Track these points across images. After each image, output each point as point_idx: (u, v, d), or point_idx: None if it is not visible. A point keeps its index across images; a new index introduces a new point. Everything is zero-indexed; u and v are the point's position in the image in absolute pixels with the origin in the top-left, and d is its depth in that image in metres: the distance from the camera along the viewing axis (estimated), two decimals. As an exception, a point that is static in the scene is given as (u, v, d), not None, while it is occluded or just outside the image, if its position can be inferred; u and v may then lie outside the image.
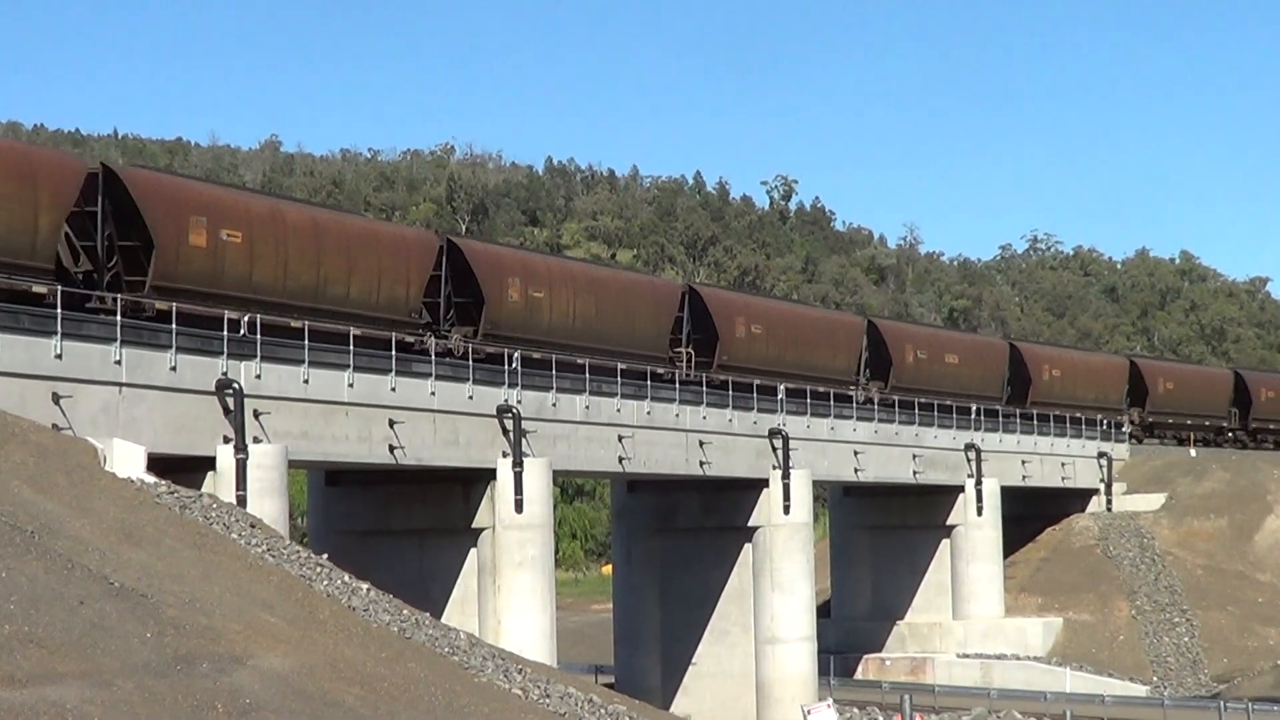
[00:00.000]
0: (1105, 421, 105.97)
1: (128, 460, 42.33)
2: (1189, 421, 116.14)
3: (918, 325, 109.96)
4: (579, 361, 65.34)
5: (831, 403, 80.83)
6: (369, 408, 55.10)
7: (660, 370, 71.20)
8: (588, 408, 65.18)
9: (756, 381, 75.35)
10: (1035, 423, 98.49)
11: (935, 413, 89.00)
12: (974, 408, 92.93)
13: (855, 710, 74.42)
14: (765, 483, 74.74)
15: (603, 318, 69.04)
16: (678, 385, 70.53)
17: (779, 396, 76.46)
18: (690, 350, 74.87)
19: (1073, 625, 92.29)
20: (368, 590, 41.15)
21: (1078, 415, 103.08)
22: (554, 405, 63.38)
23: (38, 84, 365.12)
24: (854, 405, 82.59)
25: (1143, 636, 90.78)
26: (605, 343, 68.04)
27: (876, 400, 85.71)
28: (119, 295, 48.34)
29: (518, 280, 64.68)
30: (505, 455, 60.20)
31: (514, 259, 67.62)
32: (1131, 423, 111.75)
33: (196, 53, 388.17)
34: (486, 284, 62.81)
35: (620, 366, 67.16)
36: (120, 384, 46.56)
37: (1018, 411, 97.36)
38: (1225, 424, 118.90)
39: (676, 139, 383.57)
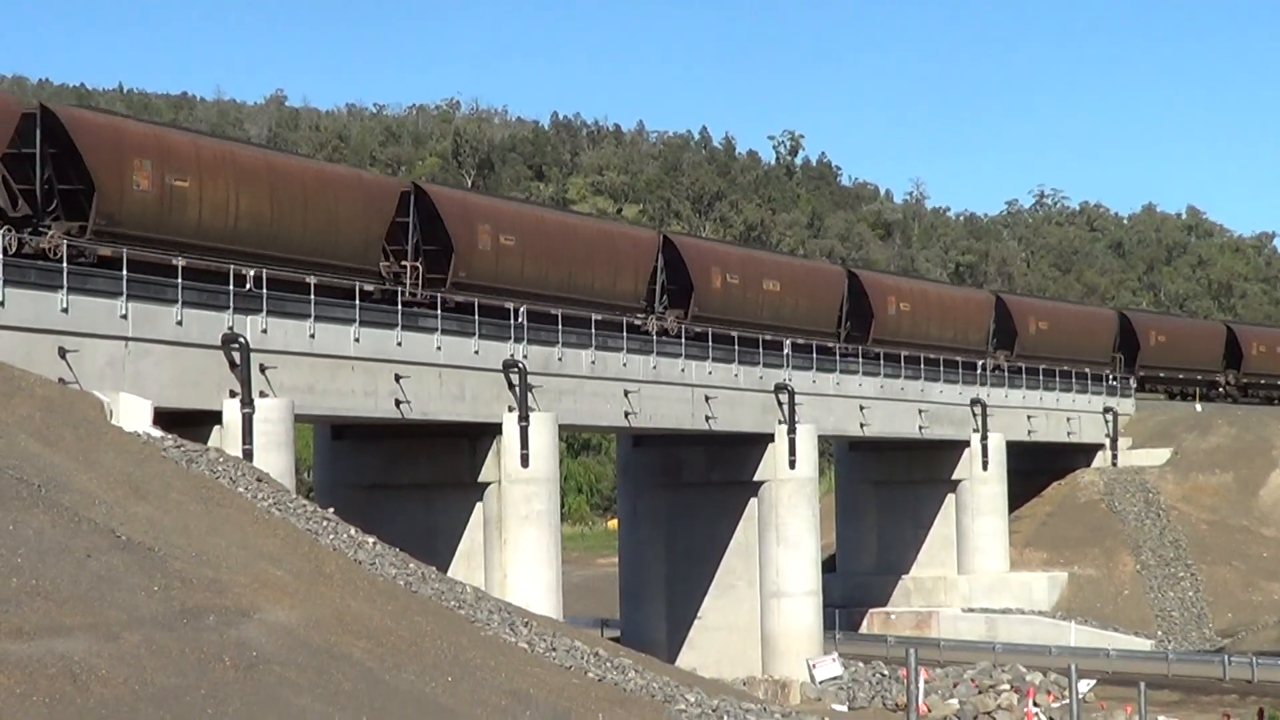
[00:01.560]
0: (1111, 376, 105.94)
1: (134, 414, 42.38)
2: (1181, 375, 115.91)
3: (900, 277, 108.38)
4: (552, 312, 64.19)
5: (837, 358, 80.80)
6: (375, 362, 55.12)
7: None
8: (593, 362, 65.19)
9: (736, 333, 73.93)
10: (1041, 378, 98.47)
11: (941, 368, 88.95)
12: (979, 363, 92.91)
13: (860, 664, 74.52)
14: (771, 438, 74.77)
15: (575, 267, 67.82)
16: (683, 340, 70.51)
17: (785, 352, 76.40)
18: (665, 301, 72.91)
19: (1078, 580, 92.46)
20: (374, 544, 41.21)
21: (1066, 368, 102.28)
22: (560, 360, 63.38)
23: (43, 39, 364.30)
24: (860, 360, 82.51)
25: (1147, 591, 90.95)
26: (579, 293, 67.05)
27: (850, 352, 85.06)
28: (64, 240, 46.89)
29: (488, 227, 63.84)
30: (511, 410, 60.24)
31: (484, 206, 66.63)
32: (1123, 377, 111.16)
33: (202, 7, 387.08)
34: (455, 233, 61.93)
35: (596, 318, 65.86)
36: (126, 338, 46.56)
37: (1023, 366, 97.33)
38: (1218, 378, 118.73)
39: (683, 94, 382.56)
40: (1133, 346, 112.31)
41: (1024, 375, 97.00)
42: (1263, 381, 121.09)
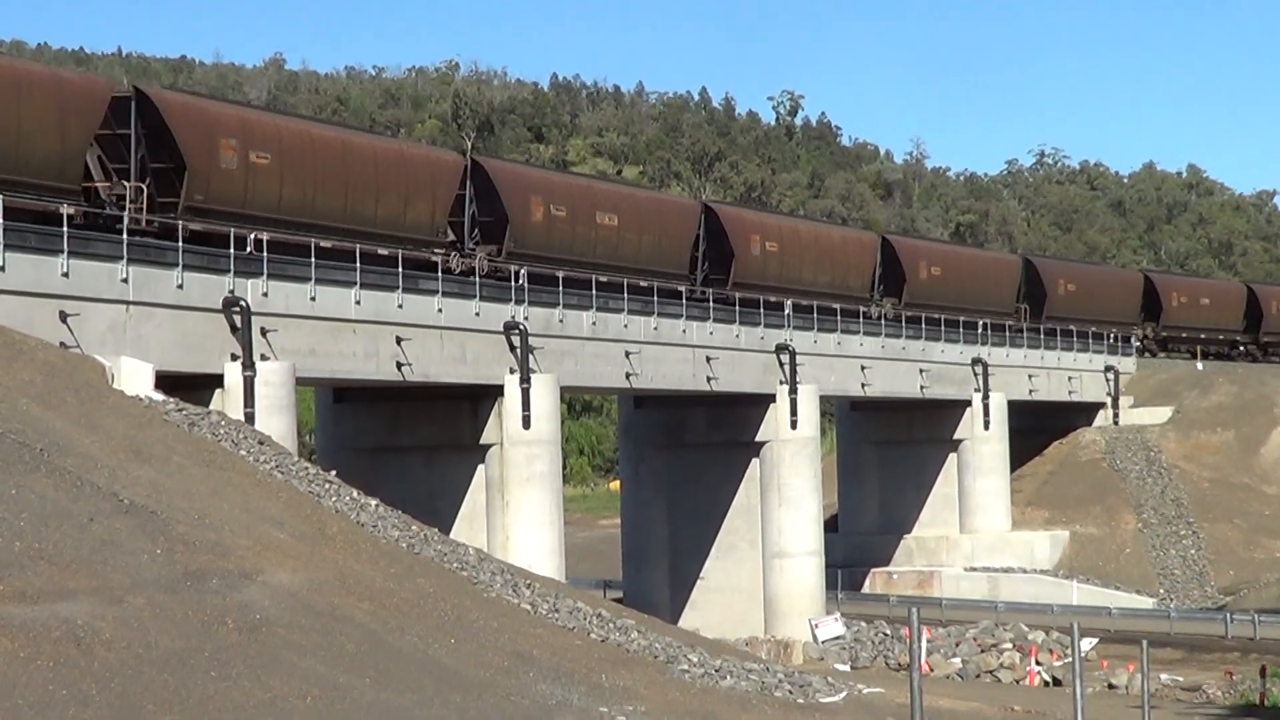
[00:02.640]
0: (1113, 335, 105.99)
1: (136, 378, 42.39)
2: (1202, 336, 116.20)
3: (930, 241, 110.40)
4: (603, 279, 65.56)
5: (838, 318, 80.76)
6: (376, 325, 55.11)
7: (665, 286, 70.85)
8: (594, 324, 65.18)
9: (768, 299, 74.85)
10: (1042, 337, 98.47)
11: (942, 327, 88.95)
12: (980, 322, 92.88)
13: (863, 624, 74.71)
14: (772, 398, 74.79)
15: (625, 236, 68.79)
16: (684, 301, 70.46)
17: (786, 312, 76.36)
18: (705, 269, 73.74)
19: (1079, 538, 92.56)
20: (376, 506, 41.24)
21: (1095, 330, 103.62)
22: (561, 321, 63.37)
23: (41, 2, 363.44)
24: (860, 320, 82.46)
25: (1149, 549, 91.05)
26: (626, 261, 67.88)
27: (888, 315, 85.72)
28: (154, 217, 49.40)
29: (541, 199, 64.49)
30: (513, 372, 60.24)
31: (539, 179, 67.36)
32: (1145, 337, 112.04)
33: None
34: (511, 204, 62.92)
35: (640, 284, 66.48)
36: (128, 302, 46.57)
37: (1024, 326, 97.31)
38: (1238, 338, 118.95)
39: (682, 55, 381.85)
40: (1156, 308, 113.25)
41: (1025, 335, 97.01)
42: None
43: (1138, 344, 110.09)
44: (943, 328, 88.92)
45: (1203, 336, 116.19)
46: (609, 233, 68.69)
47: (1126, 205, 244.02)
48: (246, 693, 25.66)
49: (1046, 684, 65.61)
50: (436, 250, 60.48)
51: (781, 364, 74.89)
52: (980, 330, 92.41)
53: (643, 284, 69.31)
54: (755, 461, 75.93)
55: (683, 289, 71.99)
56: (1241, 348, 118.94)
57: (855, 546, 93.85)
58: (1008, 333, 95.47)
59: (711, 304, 72.04)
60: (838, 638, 72.04)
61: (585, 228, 67.48)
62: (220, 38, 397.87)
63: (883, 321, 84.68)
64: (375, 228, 57.47)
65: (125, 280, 46.52)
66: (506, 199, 63.99)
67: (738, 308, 73.40)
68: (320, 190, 55.35)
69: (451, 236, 62.68)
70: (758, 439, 75.32)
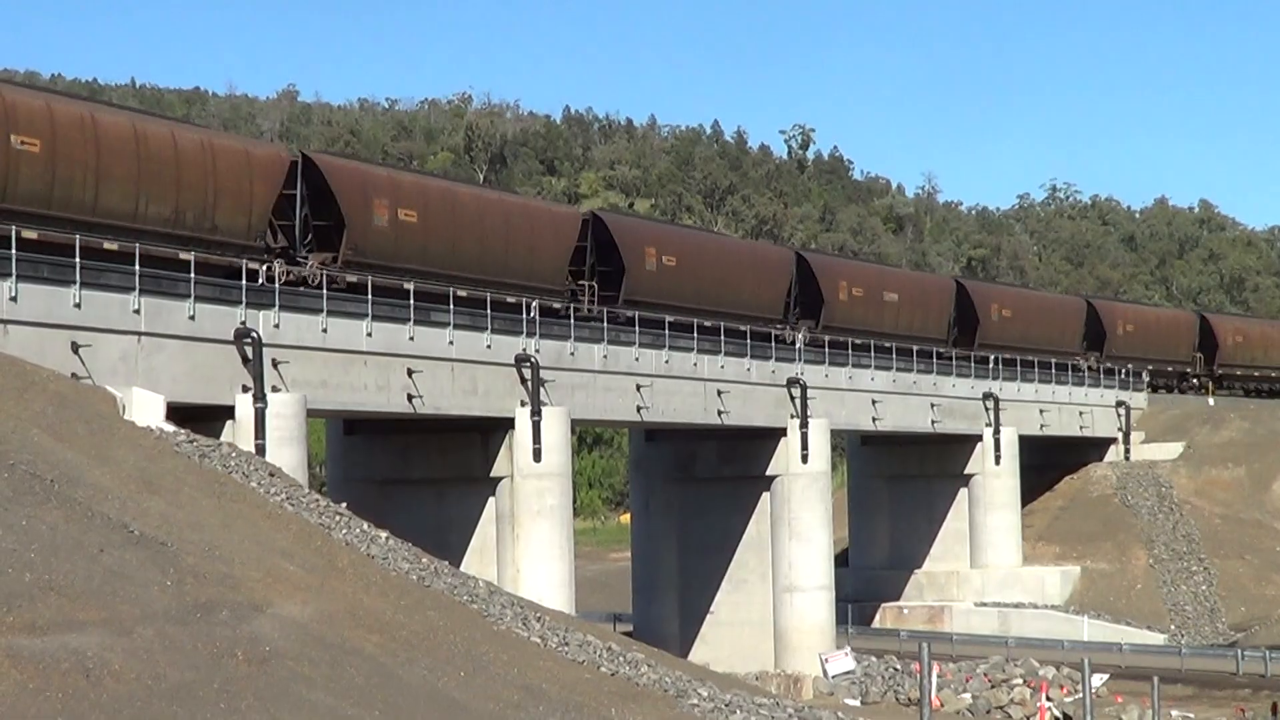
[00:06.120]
0: (1124, 371, 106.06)
1: (147, 409, 42.39)
2: (1256, 374, 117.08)
3: (1001, 285, 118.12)
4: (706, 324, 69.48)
5: (850, 351, 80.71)
6: (387, 356, 55.12)
7: (759, 330, 73.88)
8: (605, 357, 65.16)
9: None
10: (1054, 371, 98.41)
11: (953, 362, 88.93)
12: (991, 357, 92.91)
13: (873, 658, 74.49)
14: (783, 432, 74.73)
15: (727, 284, 73.31)
16: (695, 334, 70.44)
17: (798, 346, 76.37)
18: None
19: (1090, 574, 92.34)
20: (386, 538, 41.20)
21: (1150, 368, 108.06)
22: (572, 354, 63.36)
23: (55, 33, 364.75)
24: (872, 354, 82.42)
25: (1160, 585, 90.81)
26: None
27: (956, 356, 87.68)
28: (321, 269, 54.16)
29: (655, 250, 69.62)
30: (524, 404, 60.23)
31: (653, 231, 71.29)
32: (1200, 376, 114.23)
33: (213, 1, 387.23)
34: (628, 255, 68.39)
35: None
36: (139, 333, 46.61)
37: (1036, 360, 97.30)
38: None
39: (694, 88, 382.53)
40: (1211, 346, 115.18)
41: (1036, 369, 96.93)
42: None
43: (1194, 382, 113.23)
44: (954, 362, 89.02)
45: (1256, 374, 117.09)
46: (714, 285, 73.49)
47: (1138, 240, 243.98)
48: (255, 725, 25.61)
49: (1057, 720, 65.43)
50: (560, 297, 65.44)
51: (793, 398, 74.85)
52: (991, 365, 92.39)
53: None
54: (766, 495, 75.86)
55: (772, 331, 76.24)
56: None
57: (866, 581, 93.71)
58: (1019, 367, 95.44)
59: (723, 337, 72.00)
60: (848, 672, 71.80)
61: (691, 276, 72.18)
62: (233, 69, 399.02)
63: (894, 355, 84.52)
64: (508, 277, 62.55)
65: (137, 311, 46.57)
66: (625, 251, 69.17)
67: (749, 341, 73.37)
68: (459, 243, 60.32)
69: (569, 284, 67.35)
70: (768, 473, 75.25)
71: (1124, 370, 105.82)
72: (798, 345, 76.37)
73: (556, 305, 64.07)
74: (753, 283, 75.85)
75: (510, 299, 61.69)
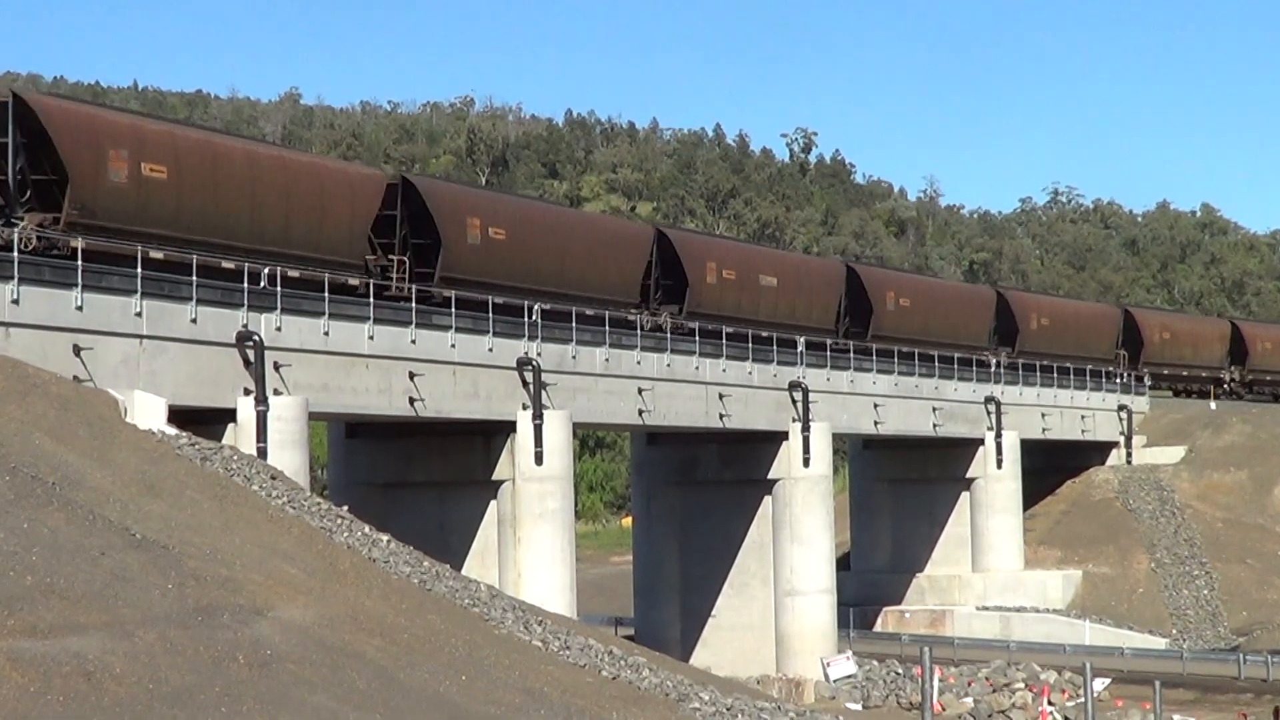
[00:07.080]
0: (1125, 375, 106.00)
1: (148, 412, 42.39)
2: (1185, 374, 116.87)
3: (1037, 294, 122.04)
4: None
5: (851, 355, 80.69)
6: (389, 360, 55.10)
7: (814, 340, 75.65)
8: (607, 360, 65.14)
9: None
10: (1055, 375, 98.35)
11: (955, 365, 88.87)
12: (993, 361, 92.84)
13: (874, 662, 74.48)
14: (785, 435, 74.70)
15: (782, 296, 75.44)
16: (698, 338, 70.42)
17: (799, 350, 76.30)
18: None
19: (1092, 578, 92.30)
20: (388, 542, 41.18)
21: (1186, 374, 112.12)
22: (574, 358, 63.34)
23: (57, 36, 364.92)
24: (873, 358, 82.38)
25: (1162, 589, 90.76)
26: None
27: (1003, 364, 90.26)
28: (413, 285, 57.05)
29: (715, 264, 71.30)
30: (525, 408, 60.21)
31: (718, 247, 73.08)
32: (1231, 381, 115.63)
33: (216, 5, 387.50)
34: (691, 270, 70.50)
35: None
36: (141, 336, 46.56)
37: (1038, 364, 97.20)
38: (1222, 375, 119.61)
39: (696, 91, 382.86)
40: (1241, 353, 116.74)
41: (1038, 373, 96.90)
42: (1268, 379, 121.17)
43: (1226, 388, 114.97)
44: (955, 365, 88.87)
45: (1185, 374, 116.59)
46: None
47: (1140, 244, 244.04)
48: (257, 729, 25.61)
49: (1058, 724, 65.37)
50: (632, 310, 68.47)
51: (794, 401, 74.83)
52: (993, 368, 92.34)
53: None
54: (767, 499, 75.83)
55: (771, 335, 75.92)
56: (1226, 385, 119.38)
57: (867, 585, 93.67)
58: (1020, 371, 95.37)
59: (724, 341, 71.97)
60: (849, 676, 71.79)
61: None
62: (235, 72, 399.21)
63: (895, 359, 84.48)
64: (583, 290, 66.07)
65: (139, 314, 46.52)
66: (688, 265, 72.32)
67: (750, 345, 73.33)
68: (542, 259, 63.66)
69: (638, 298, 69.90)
70: (770, 476, 75.22)
71: (1125, 375, 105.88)
72: (799, 349, 76.32)
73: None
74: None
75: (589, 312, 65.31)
